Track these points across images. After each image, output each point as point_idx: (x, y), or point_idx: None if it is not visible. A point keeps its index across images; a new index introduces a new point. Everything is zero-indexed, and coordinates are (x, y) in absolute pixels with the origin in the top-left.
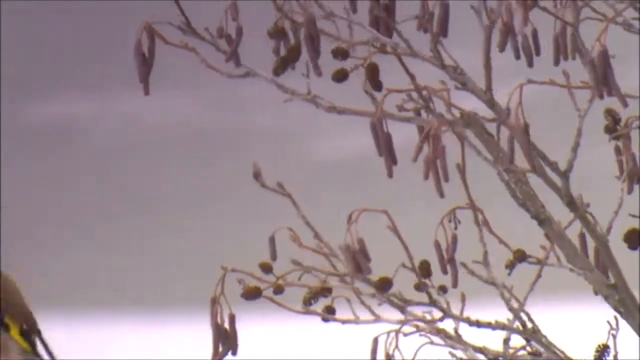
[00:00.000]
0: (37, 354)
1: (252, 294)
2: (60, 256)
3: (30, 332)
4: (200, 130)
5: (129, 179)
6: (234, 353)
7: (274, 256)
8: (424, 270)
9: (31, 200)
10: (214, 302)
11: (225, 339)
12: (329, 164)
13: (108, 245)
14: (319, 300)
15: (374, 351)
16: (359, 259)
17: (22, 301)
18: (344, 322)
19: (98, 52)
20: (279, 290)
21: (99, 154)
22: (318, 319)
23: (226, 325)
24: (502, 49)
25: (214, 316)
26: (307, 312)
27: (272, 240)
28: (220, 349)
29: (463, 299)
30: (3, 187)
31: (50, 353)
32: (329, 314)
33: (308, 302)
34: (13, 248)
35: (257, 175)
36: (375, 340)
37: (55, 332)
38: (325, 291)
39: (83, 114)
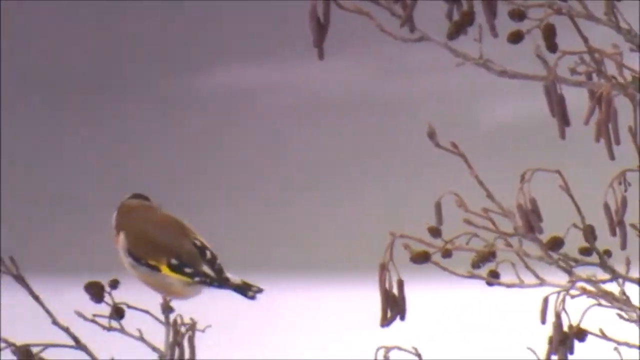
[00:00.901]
0: (200, 279)
1: (420, 258)
2: (236, 222)
3: (181, 263)
4: (369, 96)
5: (300, 147)
6: (402, 318)
7: (440, 221)
8: (589, 233)
9: (203, 166)
10: (383, 267)
11: (394, 304)
12: (499, 128)
13: (284, 213)
14: (485, 265)
15: (543, 312)
16: (531, 218)
17: (164, 238)
18: (508, 285)
19: (267, 20)
20: (447, 254)
21: (268, 121)
22: (482, 283)
23: (394, 290)
24: None
25: (382, 282)
26: (472, 276)
27: (438, 206)
28: (389, 314)
29: (628, 263)
30: (179, 155)
31: (218, 272)
32: (493, 278)
33: (476, 265)
34: (200, 214)
35: (431, 135)
36: (546, 301)
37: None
38: (492, 255)
39: (252, 82)
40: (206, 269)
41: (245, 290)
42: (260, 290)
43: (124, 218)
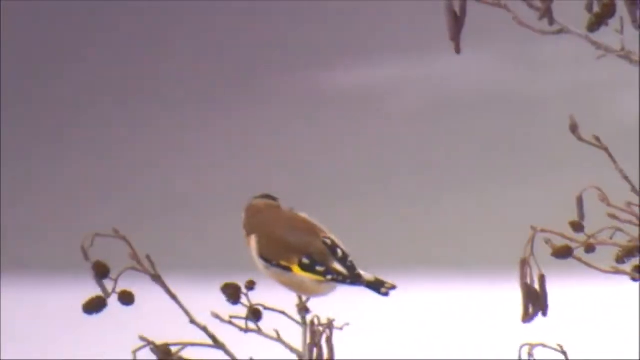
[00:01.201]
0: (332, 276)
1: (563, 253)
2: (370, 220)
3: (313, 262)
4: (506, 91)
5: (431, 141)
6: (544, 314)
7: (582, 216)
8: None
9: (331, 161)
10: (524, 262)
11: (535, 299)
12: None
13: (421, 211)
14: (629, 260)
15: None
16: None
17: (294, 238)
18: None
19: (400, 15)
20: (590, 249)
21: (404, 117)
22: (627, 279)
23: (536, 286)
24: None
25: (523, 277)
26: (616, 272)
27: (580, 200)
28: (530, 309)
29: None
30: (306, 148)
31: (350, 268)
32: (638, 273)
33: (621, 260)
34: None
35: (574, 129)
36: None
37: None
38: (637, 250)
39: (386, 78)
40: (338, 266)
41: (379, 286)
42: (393, 287)
43: (253, 220)
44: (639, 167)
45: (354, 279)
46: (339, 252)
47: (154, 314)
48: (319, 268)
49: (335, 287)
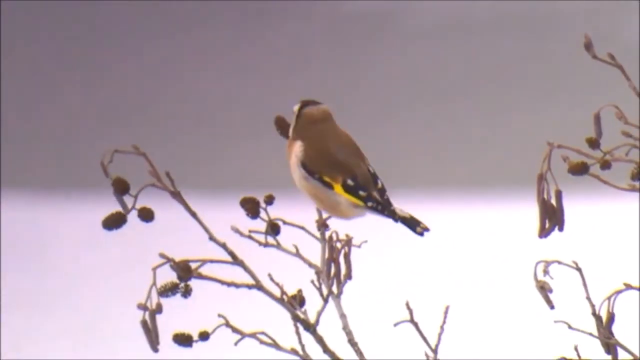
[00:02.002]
0: (372, 204)
1: (579, 169)
2: (389, 138)
3: (357, 185)
4: (517, 14)
5: (448, 62)
6: (561, 229)
7: (599, 133)
8: None
9: (343, 83)
10: (541, 178)
11: (552, 214)
12: None
13: (425, 126)
14: None
15: None
16: None
17: (343, 157)
18: None
19: None
20: (605, 165)
21: (420, 37)
22: None
23: (552, 201)
24: None
25: (540, 192)
26: (632, 189)
27: (597, 118)
28: (547, 224)
29: None
30: (328, 67)
31: (386, 202)
32: None
33: (636, 177)
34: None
35: (588, 47)
36: None
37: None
38: None
39: (399, 1)
40: (377, 195)
41: (414, 225)
42: (427, 229)
43: (305, 128)
44: None
45: (390, 212)
46: (379, 183)
47: (174, 230)
48: (362, 192)
49: (365, 214)
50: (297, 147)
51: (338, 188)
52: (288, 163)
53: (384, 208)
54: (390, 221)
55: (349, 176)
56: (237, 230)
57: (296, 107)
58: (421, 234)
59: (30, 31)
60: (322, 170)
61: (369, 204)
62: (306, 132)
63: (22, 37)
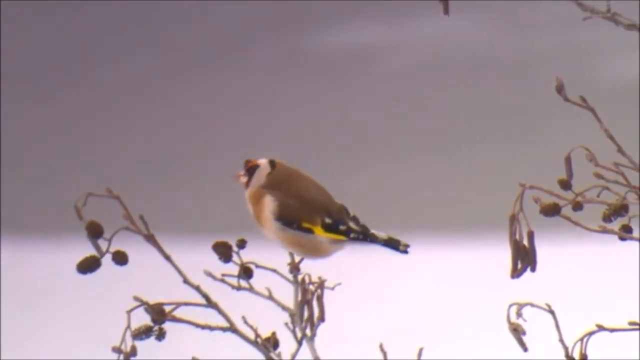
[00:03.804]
0: (353, 235)
1: (551, 210)
2: (358, 181)
3: (335, 222)
4: (493, 54)
5: (421, 103)
6: (533, 269)
7: (570, 175)
8: None
9: (322, 122)
10: (513, 218)
11: (524, 255)
12: (625, 83)
13: (397, 168)
14: (617, 218)
15: None
16: None
17: (315, 198)
18: None
19: None
20: (577, 206)
21: (390, 78)
22: (614, 238)
23: (525, 242)
24: None
25: (512, 233)
26: (604, 231)
27: (568, 160)
28: (519, 265)
29: None
30: (296, 109)
31: (364, 228)
32: (626, 232)
33: (608, 218)
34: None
35: (560, 89)
36: None
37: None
38: (624, 208)
39: (376, 40)
40: (354, 225)
41: (396, 244)
42: (408, 246)
43: (268, 181)
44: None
45: (371, 237)
46: (351, 212)
47: (148, 273)
48: (341, 227)
49: (344, 247)
50: (268, 202)
51: (318, 230)
52: (252, 215)
53: (365, 235)
54: (362, 261)
55: (324, 215)
56: (210, 274)
57: (242, 170)
58: (405, 252)
59: None
60: (299, 218)
61: (351, 235)
62: (271, 184)
63: None
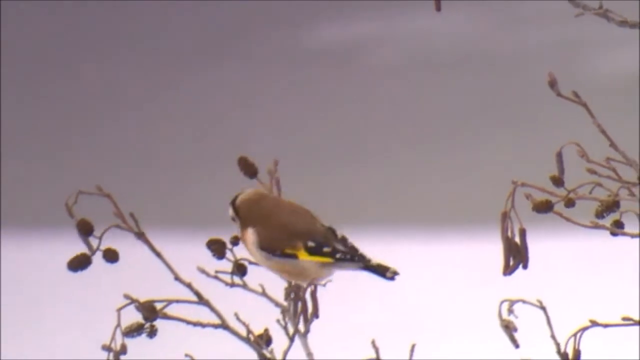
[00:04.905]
0: (339, 256)
1: (543, 207)
2: (347, 177)
3: (318, 245)
4: (483, 49)
5: (411, 98)
6: (525, 267)
7: (561, 171)
8: None
9: (313, 118)
10: (505, 216)
11: (516, 252)
12: (617, 78)
13: (389, 164)
14: (609, 214)
15: None
16: None
17: (297, 223)
18: (633, 236)
19: None
20: (570, 203)
21: (381, 73)
22: (606, 234)
23: (516, 239)
24: None
25: (504, 230)
26: (596, 227)
27: (559, 156)
28: (511, 262)
29: None
30: (288, 105)
31: (352, 249)
32: (617, 228)
33: (600, 214)
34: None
35: (552, 84)
36: None
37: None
38: (616, 204)
39: (368, 34)
40: (340, 247)
41: (384, 271)
42: (397, 273)
43: (248, 215)
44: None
45: (358, 257)
46: (339, 234)
47: (139, 271)
48: (325, 249)
49: (334, 271)
50: (250, 235)
51: (302, 254)
52: (246, 248)
53: (352, 255)
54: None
55: (308, 239)
56: (203, 271)
57: (230, 210)
58: (392, 279)
59: None
60: (281, 245)
61: (337, 255)
62: (251, 218)
63: None
